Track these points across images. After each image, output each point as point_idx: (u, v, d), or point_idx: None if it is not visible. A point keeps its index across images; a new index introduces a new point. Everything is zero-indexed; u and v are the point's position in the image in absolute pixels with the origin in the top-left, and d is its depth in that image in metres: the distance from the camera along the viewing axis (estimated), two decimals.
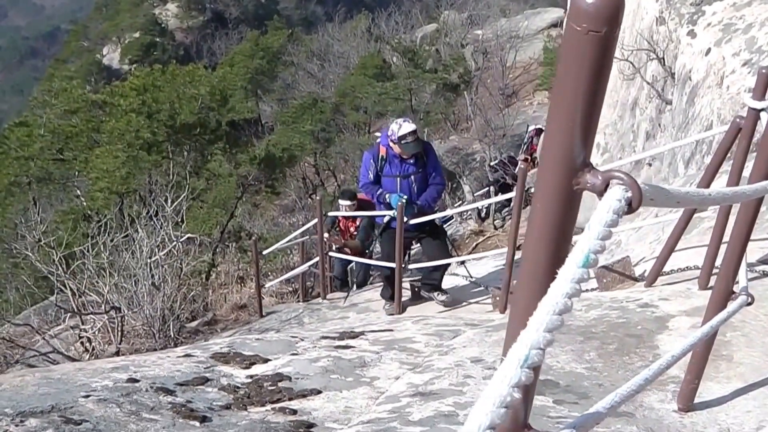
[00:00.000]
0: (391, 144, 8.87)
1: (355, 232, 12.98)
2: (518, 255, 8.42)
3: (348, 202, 12.36)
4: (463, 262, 10.43)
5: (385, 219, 9.33)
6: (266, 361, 4.88)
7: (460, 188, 27.38)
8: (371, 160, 9.09)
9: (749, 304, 2.74)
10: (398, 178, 9.00)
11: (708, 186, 5.06)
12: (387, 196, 8.93)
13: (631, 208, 1.19)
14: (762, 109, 4.11)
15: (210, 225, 18.20)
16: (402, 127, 8.80)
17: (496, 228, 20.19)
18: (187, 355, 5.00)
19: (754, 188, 2.24)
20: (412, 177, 9.02)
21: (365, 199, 13.23)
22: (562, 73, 1.18)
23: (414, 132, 8.82)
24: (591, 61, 1.14)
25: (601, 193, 1.19)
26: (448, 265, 9.84)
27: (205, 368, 4.67)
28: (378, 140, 9.43)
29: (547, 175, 1.24)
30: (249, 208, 23.56)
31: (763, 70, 4.19)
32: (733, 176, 4.57)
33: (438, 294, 9.48)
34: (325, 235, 12.84)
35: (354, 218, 12.67)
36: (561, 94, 1.19)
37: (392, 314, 9.46)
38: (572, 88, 1.16)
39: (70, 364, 5.62)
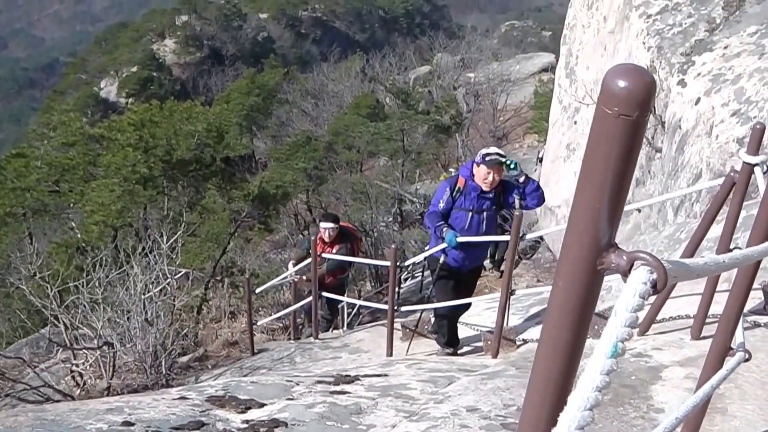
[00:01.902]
0: (474, 171, 8.38)
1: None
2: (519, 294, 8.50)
3: (331, 225, 12.02)
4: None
5: (439, 252, 8.62)
6: (262, 405, 4.80)
7: None
8: (447, 190, 8.51)
9: (746, 360, 2.73)
10: (471, 213, 8.45)
11: (702, 238, 5.15)
12: (444, 229, 8.26)
13: (656, 290, 1.17)
14: (756, 164, 4.17)
15: (202, 258, 18.21)
16: (489, 148, 8.48)
17: (485, 269, 20.18)
18: (182, 398, 4.92)
19: (760, 249, 2.28)
20: (485, 214, 8.49)
21: (348, 226, 13.09)
22: (591, 154, 1.19)
23: (501, 154, 8.34)
24: (621, 144, 1.15)
25: (625, 274, 1.19)
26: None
27: (200, 412, 4.60)
28: (457, 172, 8.89)
29: (570, 254, 1.24)
30: (241, 243, 23.57)
31: (758, 126, 4.27)
32: (727, 229, 4.61)
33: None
34: (295, 277, 12.79)
35: (332, 243, 12.17)
36: (589, 174, 1.20)
37: (448, 353, 9.08)
38: (601, 169, 1.17)
39: (64, 404, 5.54)
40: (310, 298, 12.04)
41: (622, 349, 1.16)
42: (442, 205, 8.45)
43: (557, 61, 21.69)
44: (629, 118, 1.14)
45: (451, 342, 9.17)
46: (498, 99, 46.01)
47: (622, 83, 1.15)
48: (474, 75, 48.87)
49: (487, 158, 8.16)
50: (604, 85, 1.17)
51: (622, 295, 1.16)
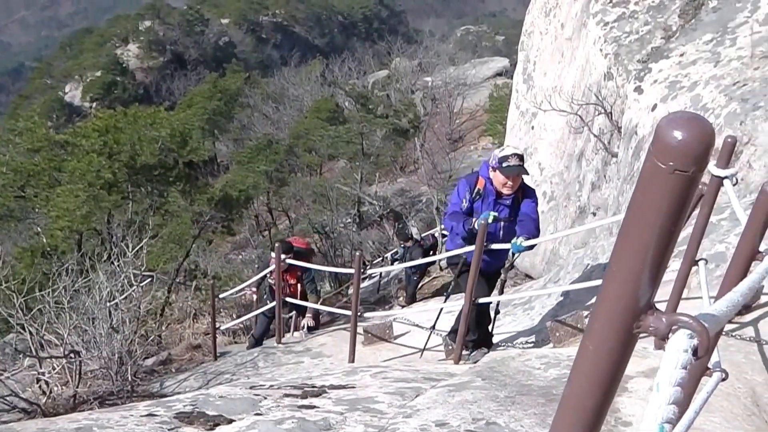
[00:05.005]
0: (491, 175, 7.64)
1: (293, 281, 12.43)
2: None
3: (282, 256, 11.62)
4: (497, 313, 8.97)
5: (466, 253, 7.76)
6: (230, 421, 4.67)
7: (406, 228, 27.72)
8: (467, 191, 7.72)
9: (723, 380, 2.57)
10: None
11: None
12: (476, 221, 7.33)
13: (697, 357, 1.09)
14: (725, 177, 4.19)
15: (165, 259, 18.25)
16: (505, 150, 7.63)
17: (441, 269, 20.25)
18: (150, 415, 4.80)
19: (758, 278, 2.18)
20: (502, 222, 7.68)
21: (299, 244, 12.96)
22: (637, 209, 1.09)
23: (519, 156, 7.54)
24: (672, 200, 1.06)
25: (664, 339, 1.11)
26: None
27: (168, 429, 4.50)
28: (477, 171, 8.03)
29: (604, 314, 1.15)
30: (203, 244, 23.58)
31: (728, 139, 4.34)
32: (693, 240, 4.66)
33: (474, 352, 8.10)
34: (247, 291, 12.71)
35: (291, 270, 12.05)
36: (632, 231, 1.10)
37: (476, 361, 7.57)
38: (647, 227, 1.08)
39: (32, 422, 5.38)
40: (272, 304, 12.07)
41: (669, 430, 1.05)
42: (464, 204, 7.73)
43: (512, 65, 21.95)
44: (685, 173, 1.04)
45: (485, 340, 8.46)
46: (454, 102, 46.55)
47: (678, 135, 1.03)
48: (431, 79, 49.31)
49: (504, 164, 7.48)
50: (658, 136, 1.05)
51: (662, 368, 1.08)
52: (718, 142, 4.25)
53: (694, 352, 1.08)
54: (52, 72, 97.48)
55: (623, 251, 1.12)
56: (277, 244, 11.75)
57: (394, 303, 18.75)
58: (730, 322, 5.32)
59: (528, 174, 7.78)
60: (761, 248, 2.93)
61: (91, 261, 11.84)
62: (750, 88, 8.97)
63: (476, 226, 7.27)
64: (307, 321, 12.35)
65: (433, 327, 9.43)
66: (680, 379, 1.06)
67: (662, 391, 1.06)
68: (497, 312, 8.81)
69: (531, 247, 7.53)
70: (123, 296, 11.17)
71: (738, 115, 8.66)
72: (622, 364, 1.18)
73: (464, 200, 7.70)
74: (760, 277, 2.20)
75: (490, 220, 7.24)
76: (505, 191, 7.61)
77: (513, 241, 7.27)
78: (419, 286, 18.62)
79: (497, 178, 7.58)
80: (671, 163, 1.04)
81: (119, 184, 18.27)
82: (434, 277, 19.91)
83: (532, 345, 8.49)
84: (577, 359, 1.21)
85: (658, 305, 1.18)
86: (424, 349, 9.55)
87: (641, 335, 1.15)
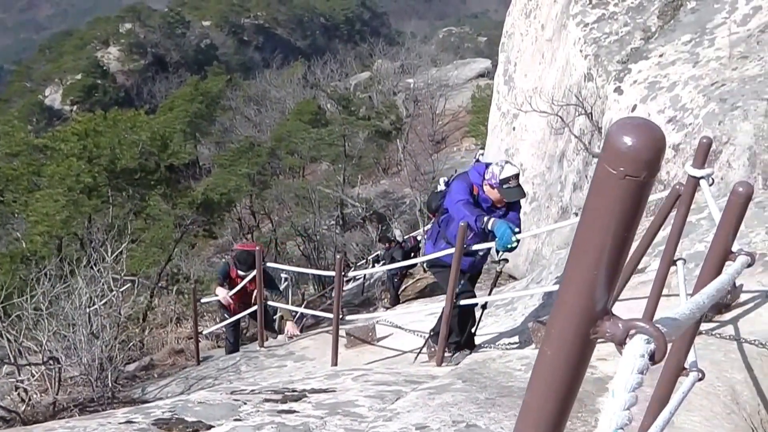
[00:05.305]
0: (485, 187, 7.60)
1: (252, 288, 11.90)
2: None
3: (252, 271, 11.41)
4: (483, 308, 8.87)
5: (449, 256, 7.58)
6: (209, 427, 4.61)
7: (389, 232, 27.77)
8: (467, 189, 7.60)
9: (700, 379, 2.59)
10: None
11: (646, 249, 5.20)
12: (491, 222, 7.17)
13: (654, 362, 1.08)
14: (701, 178, 4.23)
15: (147, 263, 18.18)
16: (505, 169, 7.47)
17: (425, 270, 20.23)
18: (129, 422, 4.71)
19: (727, 279, 2.20)
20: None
21: (253, 248, 12.48)
22: (590, 215, 1.09)
23: (518, 176, 7.54)
24: (625, 206, 1.05)
25: (621, 344, 1.09)
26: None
27: None
28: (466, 173, 7.97)
29: (561, 321, 1.13)
30: (185, 248, 23.48)
31: (704, 140, 4.34)
32: (671, 240, 4.64)
33: (456, 354, 8.00)
34: (221, 296, 12.31)
35: (253, 279, 11.62)
36: (587, 237, 1.09)
37: (458, 363, 7.18)
38: (601, 233, 1.07)
39: (8, 431, 5.34)
40: (254, 308, 11.94)
41: None
42: (470, 199, 7.59)
43: (494, 66, 22.03)
44: (636, 179, 1.03)
45: (469, 341, 8.34)
46: (437, 104, 46.71)
47: (629, 140, 1.02)
48: (413, 80, 49.51)
49: (504, 186, 7.47)
50: (609, 142, 1.05)
51: (619, 373, 1.07)
52: (695, 142, 4.25)
53: (651, 356, 1.06)
54: (32, 75, 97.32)
55: (578, 257, 1.11)
56: (257, 248, 11.55)
57: (379, 305, 18.77)
58: (710, 320, 5.33)
59: (525, 195, 7.81)
60: (734, 248, 2.92)
61: (71, 266, 11.74)
62: (728, 88, 9.00)
63: (489, 227, 7.15)
64: (292, 331, 12.24)
65: (433, 329, 9.37)
66: (636, 384, 1.05)
67: (617, 397, 1.05)
68: (484, 308, 8.72)
69: (514, 248, 7.39)
70: (103, 301, 11.09)
71: (717, 115, 8.68)
72: (581, 368, 1.15)
73: (469, 195, 7.60)
74: (729, 278, 2.19)
75: (508, 249, 7.07)
76: (499, 204, 7.63)
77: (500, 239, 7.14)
78: (402, 288, 18.65)
79: (494, 194, 7.57)
80: (622, 169, 1.02)
81: (99, 188, 18.22)
82: (417, 279, 19.91)
83: (515, 346, 8.46)
84: (536, 365, 1.19)
85: (638, 304, 1.15)
86: (420, 351, 9.45)
87: (599, 341, 1.13)
